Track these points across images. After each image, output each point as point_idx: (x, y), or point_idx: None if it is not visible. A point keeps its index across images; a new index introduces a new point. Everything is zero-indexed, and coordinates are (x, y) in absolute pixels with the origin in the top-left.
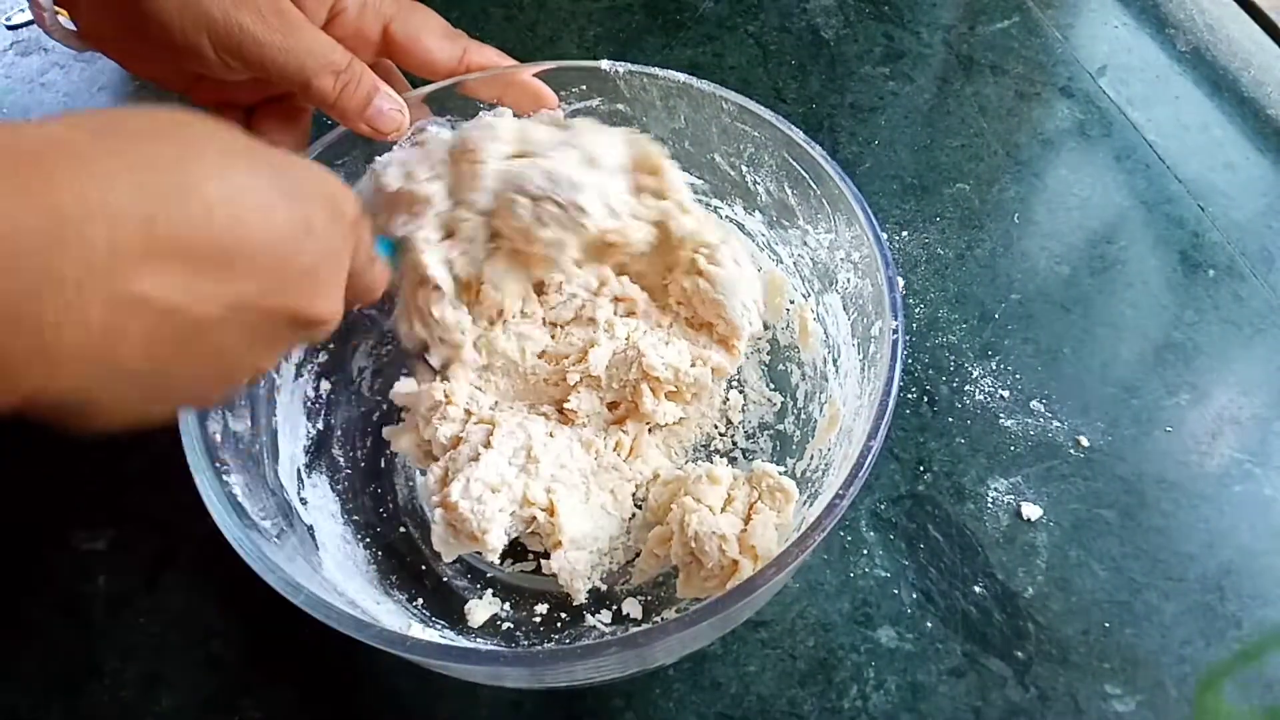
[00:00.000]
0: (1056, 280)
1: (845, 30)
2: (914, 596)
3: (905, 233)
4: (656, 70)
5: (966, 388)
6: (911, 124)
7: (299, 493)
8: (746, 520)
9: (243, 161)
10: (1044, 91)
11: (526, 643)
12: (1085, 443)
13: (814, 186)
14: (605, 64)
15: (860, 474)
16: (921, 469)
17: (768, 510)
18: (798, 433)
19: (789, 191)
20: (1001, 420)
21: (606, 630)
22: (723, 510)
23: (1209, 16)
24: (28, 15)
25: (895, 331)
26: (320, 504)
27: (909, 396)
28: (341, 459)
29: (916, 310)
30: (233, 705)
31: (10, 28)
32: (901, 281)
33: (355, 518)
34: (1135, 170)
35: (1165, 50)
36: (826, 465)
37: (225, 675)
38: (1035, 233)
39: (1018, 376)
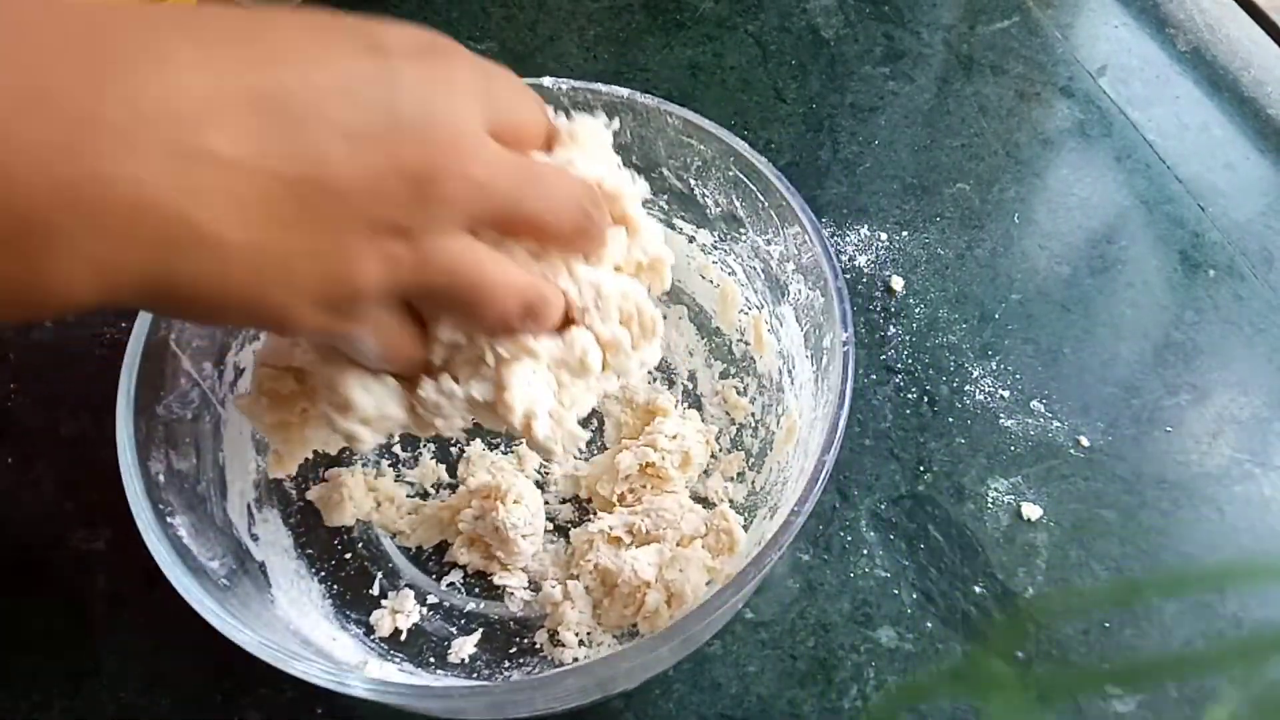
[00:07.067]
0: (1057, 280)
1: (845, 30)
2: (914, 597)
3: (905, 233)
4: (600, 86)
5: (966, 388)
6: (912, 124)
7: (250, 529)
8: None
9: (322, 34)
10: (1044, 91)
11: (488, 671)
12: (1085, 443)
13: (761, 198)
14: (548, 81)
15: (815, 489)
16: (921, 469)
17: (702, 550)
18: (756, 445)
19: (737, 203)
20: (1002, 420)
21: (571, 653)
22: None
23: (1209, 16)
24: None
25: (846, 343)
26: (272, 539)
27: (909, 397)
28: (293, 491)
29: (916, 310)
30: (232, 705)
31: None
32: (902, 281)
33: (309, 551)
34: (1135, 170)
35: (1165, 50)
36: (785, 479)
37: (225, 675)
38: (1035, 232)
39: (1018, 376)
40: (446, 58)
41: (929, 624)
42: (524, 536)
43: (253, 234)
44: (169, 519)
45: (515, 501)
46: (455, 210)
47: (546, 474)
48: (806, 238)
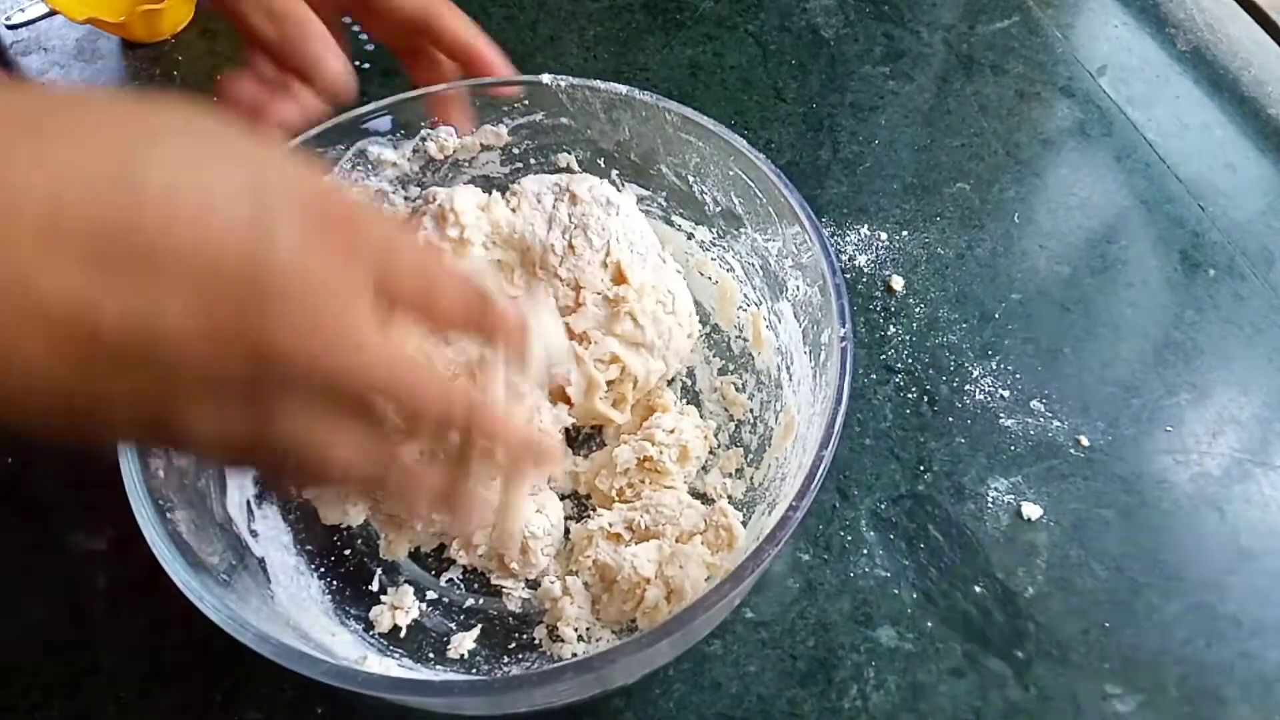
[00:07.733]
0: (1057, 280)
1: (845, 30)
2: (914, 596)
3: (905, 232)
4: (598, 83)
5: (967, 387)
6: (912, 123)
7: (249, 525)
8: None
9: (206, 150)
10: (1044, 91)
11: (487, 667)
12: (1085, 442)
13: (760, 195)
14: (547, 78)
15: (813, 484)
16: (921, 469)
17: (701, 546)
18: (755, 441)
19: (736, 200)
20: (1002, 420)
21: (570, 649)
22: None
23: (1209, 16)
24: (28, 15)
25: (844, 339)
26: (271, 535)
27: (909, 396)
28: (292, 489)
29: (916, 310)
30: (233, 705)
31: (10, 27)
32: (902, 281)
33: (308, 547)
34: (1135, 170)
35: (1165, 50)
36: (783, 475)
37: (225, 676)
38: (1035, 232)
39: (1018, 376)
40: (346, 225)
41: (929, 624)
42: (542, 549)
43: (66, 376)
44: (169, 515)
45: (538, 510)
46: (300, 391)
47: None
48: (804, 234)
